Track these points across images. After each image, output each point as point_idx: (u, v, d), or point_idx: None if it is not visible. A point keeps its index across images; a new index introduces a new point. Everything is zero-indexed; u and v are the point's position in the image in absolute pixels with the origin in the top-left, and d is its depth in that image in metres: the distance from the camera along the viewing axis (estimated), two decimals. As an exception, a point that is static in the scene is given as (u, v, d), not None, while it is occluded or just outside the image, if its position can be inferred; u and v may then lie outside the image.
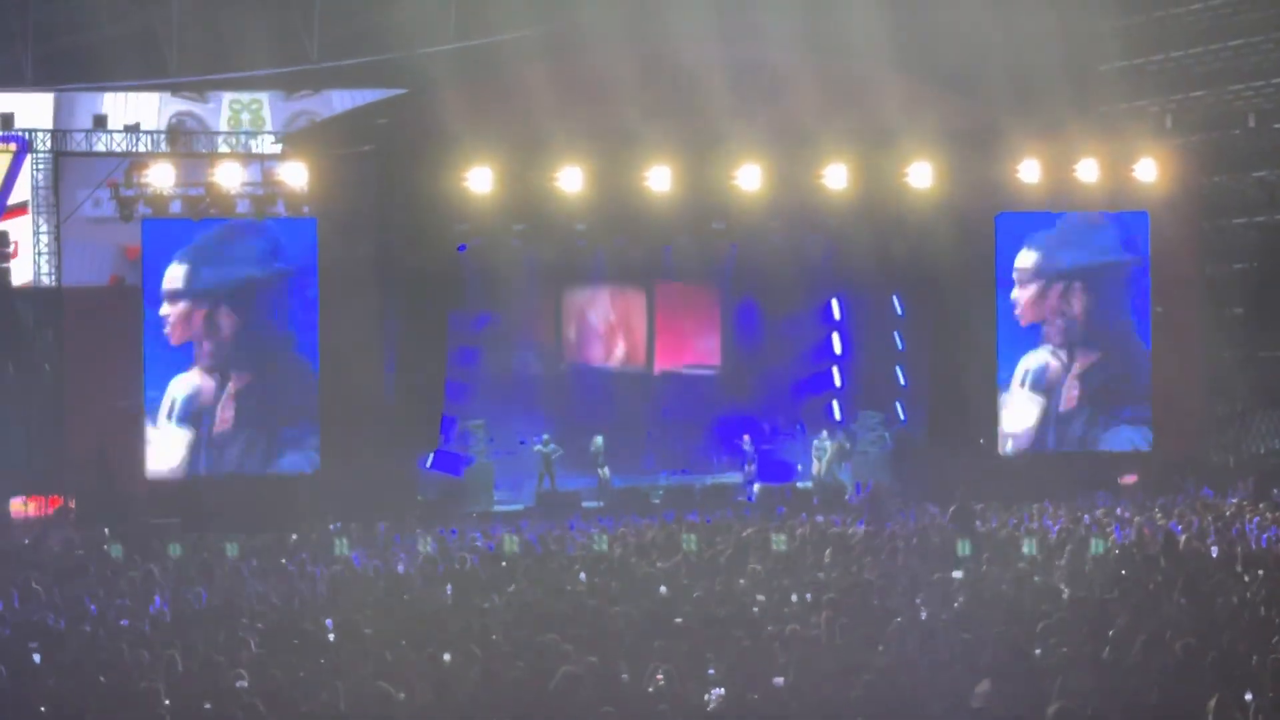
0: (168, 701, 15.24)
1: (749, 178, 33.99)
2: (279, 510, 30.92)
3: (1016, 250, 35.97)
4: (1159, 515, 28.06)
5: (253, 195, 33.17)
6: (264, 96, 38.34)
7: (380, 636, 17.87)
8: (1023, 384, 35.93)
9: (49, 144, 35.74)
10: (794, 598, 20.37)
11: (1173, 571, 20.97)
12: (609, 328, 39.54)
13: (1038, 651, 16.24)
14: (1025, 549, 23.83)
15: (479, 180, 33.23)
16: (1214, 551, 23.55)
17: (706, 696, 15.52)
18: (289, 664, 16.42)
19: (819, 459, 36.34)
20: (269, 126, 38.79)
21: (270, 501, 31.69)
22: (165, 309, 32.93)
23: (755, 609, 19.73)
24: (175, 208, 32.77)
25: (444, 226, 34.28)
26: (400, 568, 24.61)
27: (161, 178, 32.52)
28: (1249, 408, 38.03)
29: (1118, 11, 38.88)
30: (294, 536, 28.52)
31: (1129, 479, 35.09)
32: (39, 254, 35.17)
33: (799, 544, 25.07)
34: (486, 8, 38.43)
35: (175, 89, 38.83)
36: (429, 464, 35.07)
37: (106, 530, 29.77)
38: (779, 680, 15.49)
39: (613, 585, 21.35)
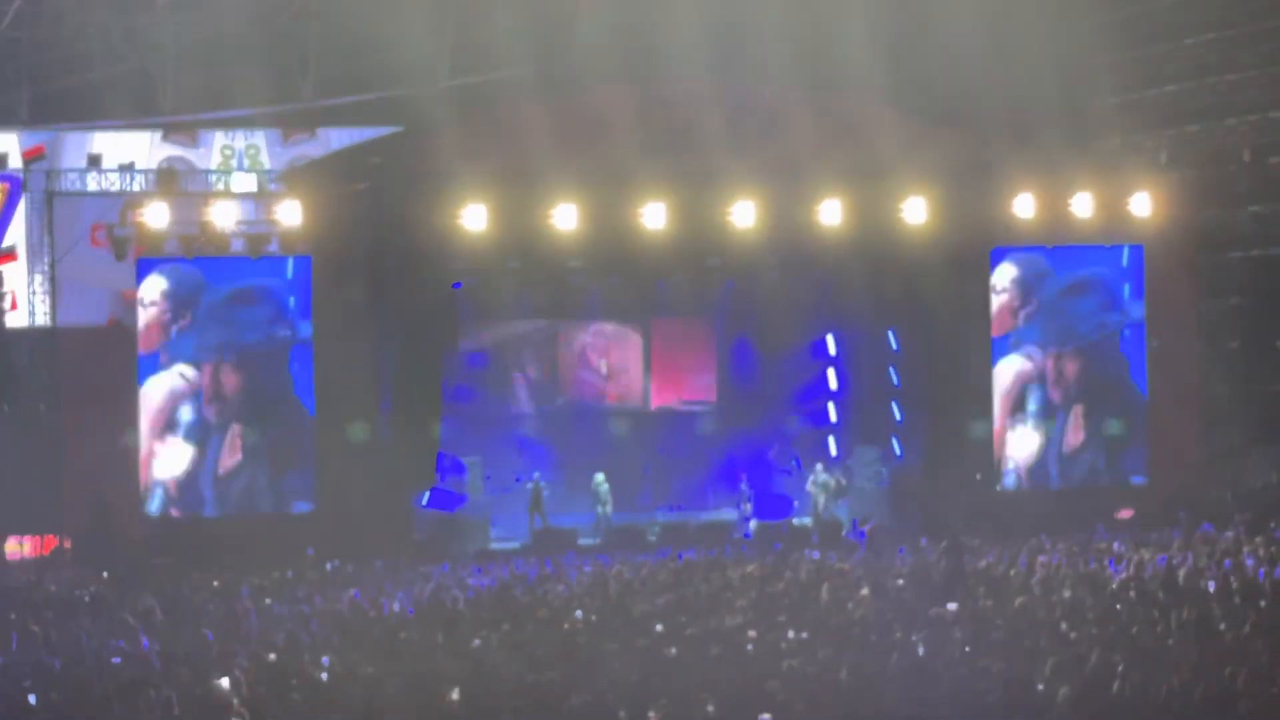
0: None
1: (744, 214, 34.02)
2: (276, 549, 30.87)
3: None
4: (1156, 550, 28.00)
5: (246, 234, 33.21)
6: (260, 142, 38.24)
7: (377, 675, 17.81)
8: (1024, 417, 36.03)
9: (43, 183, 35.72)
10: (790, 634, 20.32)
11: (1171, 605, 20.95)
12: (605, 365, 39.51)
13: (1040, 687, 16.19)
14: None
15: (474, 218, 33.25)
16: (1211, 586, 23.50)
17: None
18: (286, 703, 16.36)
19: (816, 495, 36.27)
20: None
21: (267, 540, 31.66)
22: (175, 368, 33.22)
23: (749, 646, 19.68)
24: (170, 246, 32.82)
25: (439, 264, 34.29)
26: (396, 605, 24.56)
27: (156, 217, 32.53)
28: (1245, 442, 37.97)
29: (1112, 46, 38.91)
30: (290, 574, 28.50)
31: (1126, 514, 35.08)
32: (33, 294, 35.16)
33: (798, 581, 25.01)
34: (481, 46, 38.45)
35: (170, 128, 38.69)
36: (424, 502, 35.01)
37: (105, 574, 29.78)
38: (765, 718, 15.42)
39: (609, 622, 21.30)
